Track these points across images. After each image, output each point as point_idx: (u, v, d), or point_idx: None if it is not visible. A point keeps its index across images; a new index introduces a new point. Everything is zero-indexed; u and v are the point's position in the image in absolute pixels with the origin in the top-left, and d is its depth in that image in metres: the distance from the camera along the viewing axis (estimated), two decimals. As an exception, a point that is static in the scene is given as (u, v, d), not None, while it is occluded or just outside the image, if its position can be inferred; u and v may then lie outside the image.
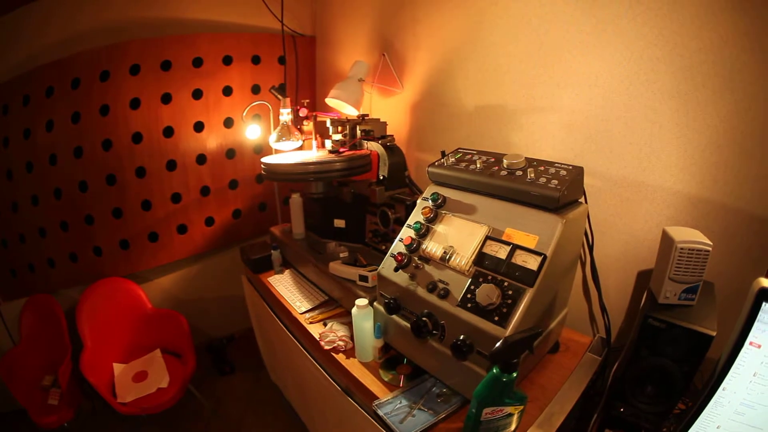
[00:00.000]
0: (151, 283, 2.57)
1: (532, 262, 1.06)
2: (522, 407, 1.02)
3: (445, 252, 1.17)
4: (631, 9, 1.25)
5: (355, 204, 1.76)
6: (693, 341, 1.00)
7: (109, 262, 2.35)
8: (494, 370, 0.95)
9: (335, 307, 1.68)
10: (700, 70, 1.16)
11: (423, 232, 1.25)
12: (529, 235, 1.10)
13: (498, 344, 0.91)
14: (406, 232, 1.29)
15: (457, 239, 1.19)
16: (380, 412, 1.15)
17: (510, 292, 1.05)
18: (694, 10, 1.14)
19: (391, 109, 2.19)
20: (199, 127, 2.41)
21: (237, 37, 2.41)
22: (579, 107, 1.44)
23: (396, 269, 1.24)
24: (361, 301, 1.32)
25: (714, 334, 0.97)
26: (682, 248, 1.05)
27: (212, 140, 2.47)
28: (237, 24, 2.44)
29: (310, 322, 1.60)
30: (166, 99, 2.28)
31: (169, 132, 2.33)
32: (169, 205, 2.43)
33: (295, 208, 1.96)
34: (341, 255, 1.70)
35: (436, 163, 1.35)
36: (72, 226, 2.21)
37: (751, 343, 0.76)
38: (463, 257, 1.14)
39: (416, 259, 1.23)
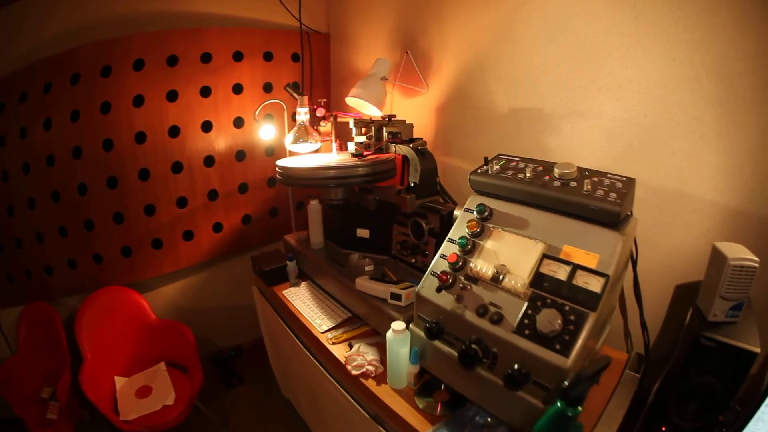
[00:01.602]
0: (155, 292, 2.44)
1: (594, 284, 0.97)
2: (579, 437, 0.94)
3: (497, 271, 1.05)
4: (672, 12, 1.19)
5: (380, 212, 1.64)
6: (739, 358, 0.99)
7: (110, 269, 2.23)
8: (558, 404, 0.86)
9: (360, 325, 1.55)
10: (740, 80, 1.12)
11: (469, 248, 1.13)
12: (590, 253, 1.01)
13: (571, 381, 0.84)
14: (450, 248, 1.17)
15: (510, 257, 1.07)
16: (424, 448, 1.03)
17: (572, 318, 0.95)
18: (731, 16, 1.10)
19: (415, 111, 2.07)
20: (207, 126, 2.28)
21: (248, 33, 2.30)
22: (620, 113, 1.36)
23: (439, 290, 1.12)
24: (398, 325, 1.19)
25: (758, 351, 0.96)
26: (734, 266, 1.01)
27: (221, 141, 2.35)
28: (247, 18, 2.33)
29: (333, 343, 1.47)
30: (172, 96, 2.16)
31: (174, 132, 2.20)
32: (174, 210, 2.30)
33: (313, 216, 1.83)
34: (366, 269, 1.57)
35: (479, 171, 1.23)
36: (71, 231, 2.09)
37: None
38: (519, 278, 1.02)
39: (462, 279, 1.11)
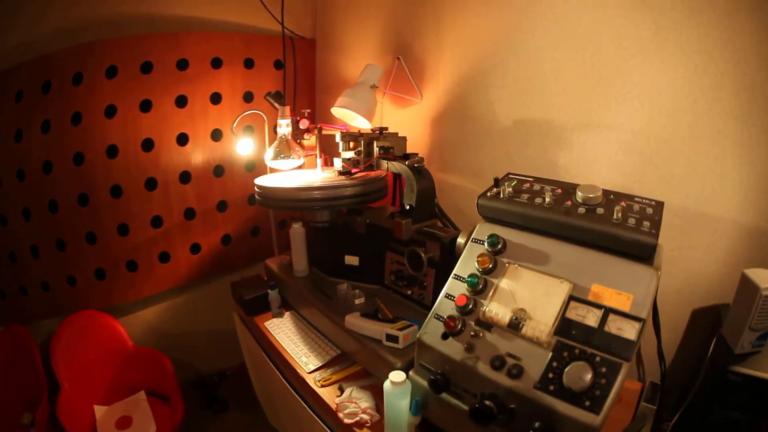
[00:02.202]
0: (133, 317, 2.27)
1: (628, 330, 0.83)
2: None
3: (515, 317, 0.89)
4: (692, 17, 1.12)
5: (371, 236, 1.48)
6: (765, 391, 0.96)
7: (85, 293, 2.07)
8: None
9: (350, 364, 1.38)
10: (762, 90, 1.06)
11: (480, 288, 0.97)
12: (622, 293, 0.87)
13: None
14: (457, 287, 1.01)
15: (530, 299, 0.92)
16: None
17: (604, 370, 0.80)
18: (754, 22, 1.04)
19: (408, 122, 1.93)
20: (183, 140, 2.12)
21: (227, 38, 2.14)
22: (639, 126, 1.26)
23: (445, 336, 0.96)
24: (397, 377, 1.02)
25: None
26: (766, 296, 0.94)
27: (198, 155, 2.18)
28: (228, 23, 2.17)
29: (322, 385, 1.31)
30: (146, 106, 2.00)
31: (148, 145, 2.04)
32: (148, 230, 2.13)
33: (296, 241, 1.65)
34: (357, 301, 1.40)
35: (489, 194, 1.08)
36: (42, 251, 1.93)
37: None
38: (543, 324, 0.87)
39: (473, 324, 0.95)
